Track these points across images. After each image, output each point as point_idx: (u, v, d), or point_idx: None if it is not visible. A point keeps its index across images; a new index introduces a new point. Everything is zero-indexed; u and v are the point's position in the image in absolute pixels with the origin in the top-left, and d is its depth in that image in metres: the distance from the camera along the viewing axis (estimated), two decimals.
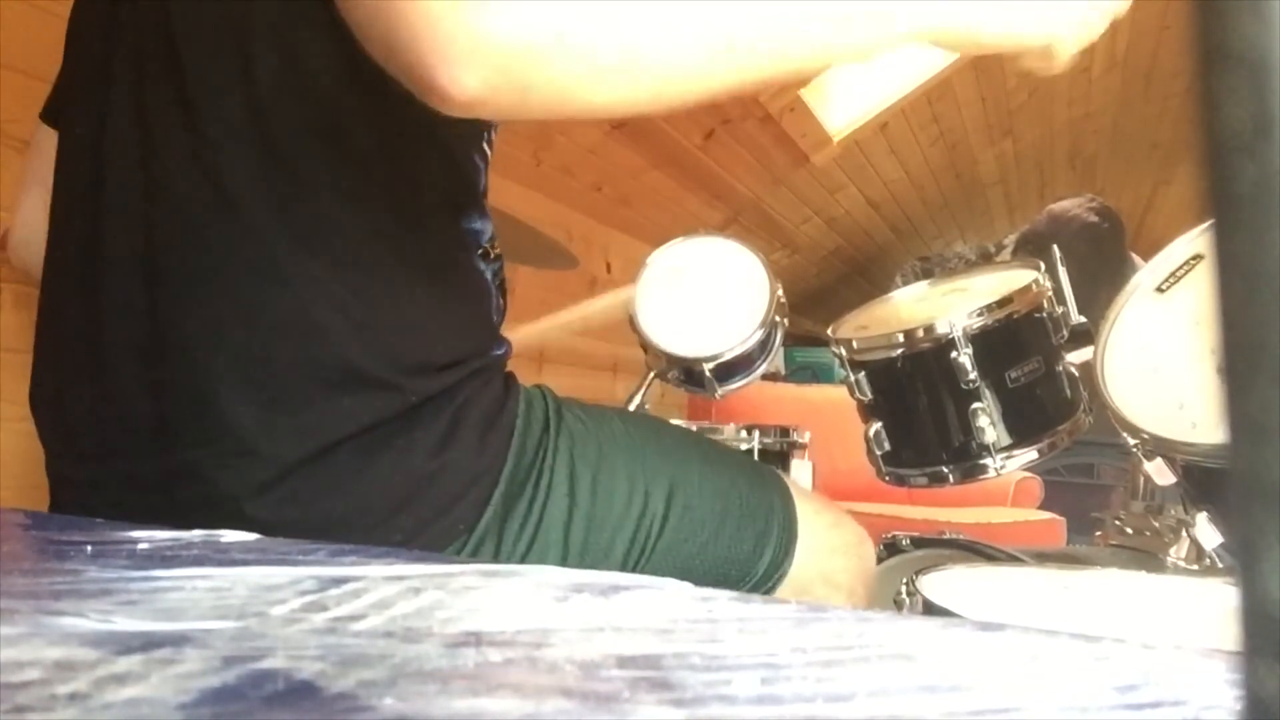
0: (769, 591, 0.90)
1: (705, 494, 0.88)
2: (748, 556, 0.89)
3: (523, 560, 0.77)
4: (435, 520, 0.74)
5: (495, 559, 0.76)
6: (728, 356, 1.21)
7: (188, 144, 0.72)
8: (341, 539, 0.66)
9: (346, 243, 0.73)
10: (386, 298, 0.74)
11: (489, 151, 0.87)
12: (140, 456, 0.73)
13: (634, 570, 0.83)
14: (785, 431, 1.46)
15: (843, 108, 3.10)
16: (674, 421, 1.15)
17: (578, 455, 0.82)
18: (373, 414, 0.72)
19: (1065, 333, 1.14)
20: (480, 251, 0.86)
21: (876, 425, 1.18)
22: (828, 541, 0.95)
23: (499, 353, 0.84)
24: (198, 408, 0.71)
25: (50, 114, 0.94)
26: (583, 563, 0.80)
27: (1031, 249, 2.47)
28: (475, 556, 0.76)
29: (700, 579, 0.85)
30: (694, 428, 1.36)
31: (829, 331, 1.26)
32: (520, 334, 1.25)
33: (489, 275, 0.87)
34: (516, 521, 0.78)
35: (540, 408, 0.84)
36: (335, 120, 0.73)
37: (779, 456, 1.46)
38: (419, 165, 0.78)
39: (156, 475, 0.73)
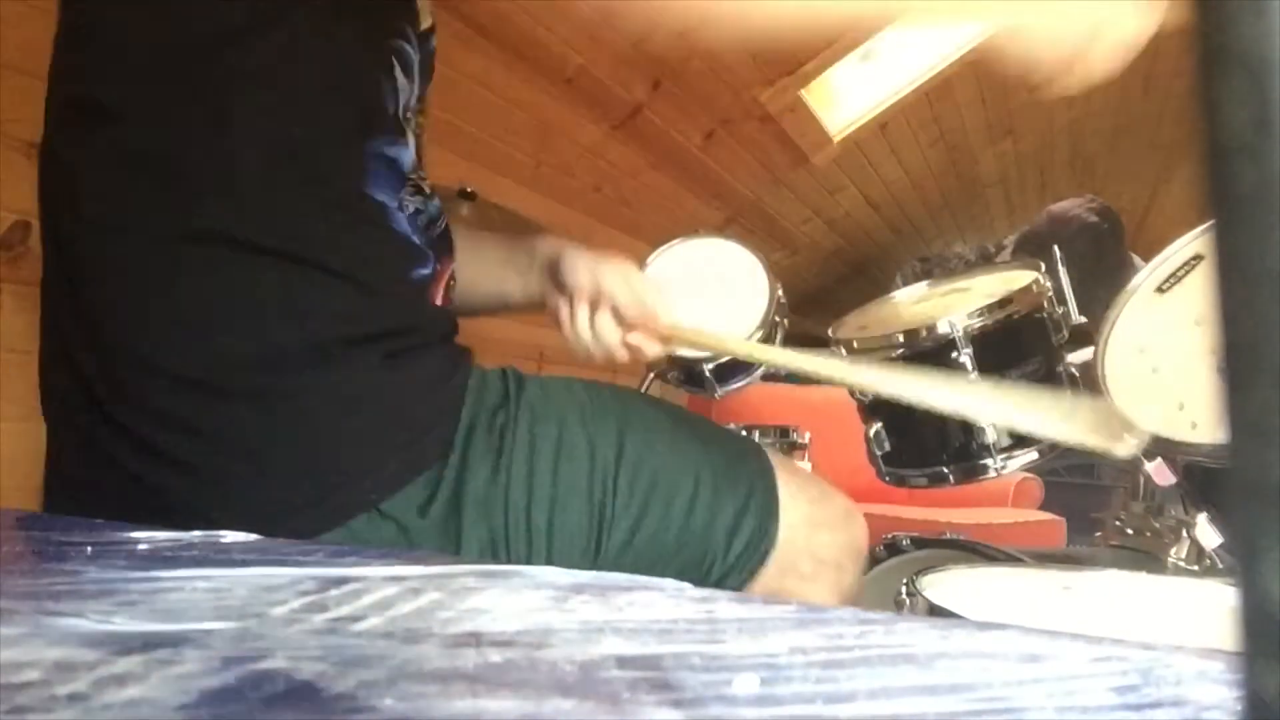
0: (752, 568, 0.86)
1: (674, 469, 0.84)
2: (724, 531, 0.85)
3: (483, 544, 0.76)
4: (342, 484, 0.72)
5: (457, 544, 0.75)
6: (727, 357, 1.21)
7: (82, 135, 0.75)
8: (249, 511, 0.68)
9: (220, 187, 0.73)
10: (265, 242, 0.73)
11: (409, 79, 0.84)
12: (84, 425, 0.75)
13: (601, 550, 0.80)
14: (785, 432, 1.46)
15: (843, 108, 3.10)
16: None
17: (538, 433, 0.80)
18: (242, 344, 0.72)
19: (1066, 333, 1.14)
20: (411, 187, 0.84)
21: (877, 425, 1.18)
22: (812, 516, 0.91)
23: (438, 327, 0.82)
24: (102, 357, 0.73)
25: None
26: (550, 546, 0.78)
27: (1031, 249, 2.47)
28: (439, 537, 0.74)
29: (673, 557, 0.84)
30: None
31: (829, 332, 1.26)
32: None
33: (421, 220, 0.84)
34: (475, 503, 0.76)
35: (497, 384, 0.82)
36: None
37: None
38: (306, 92, 0.76)
39: (93, 443, 0.74)
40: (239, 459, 0.72)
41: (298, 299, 0.73)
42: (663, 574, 0.84)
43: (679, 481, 0.84)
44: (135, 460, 0.72)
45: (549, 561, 0.78)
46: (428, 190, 0.87)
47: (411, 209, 0.84)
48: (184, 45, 0.73)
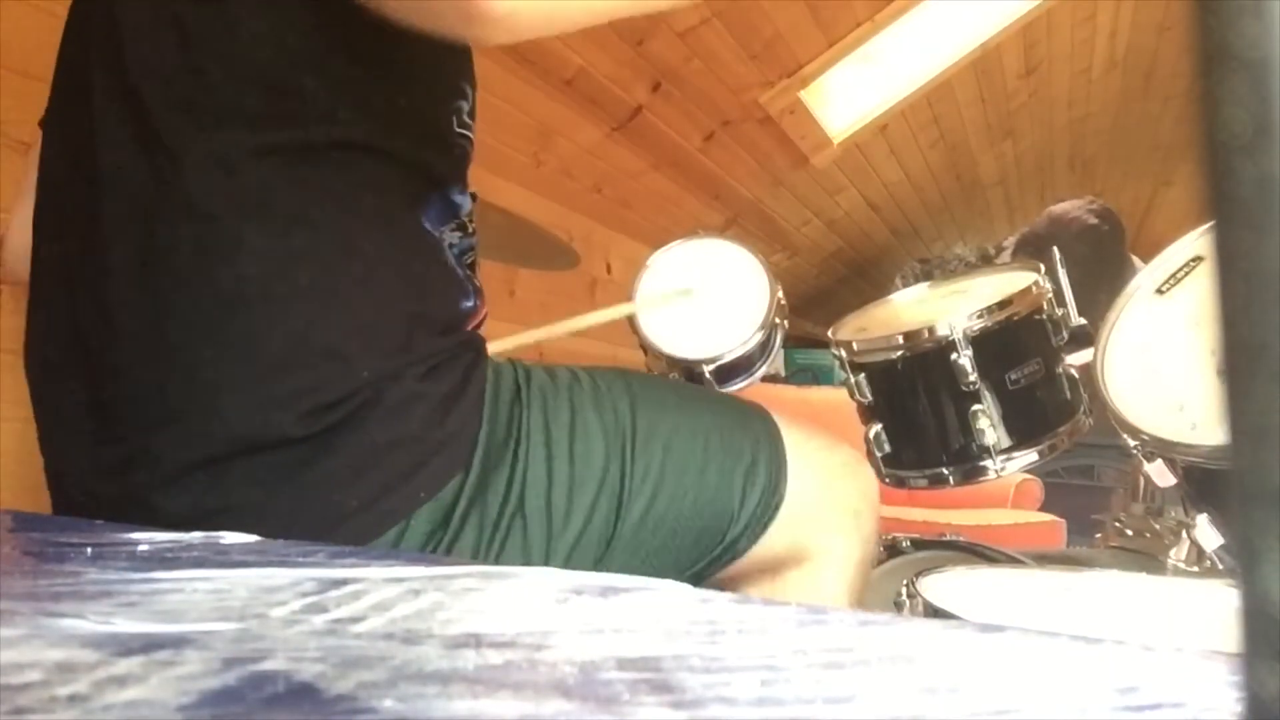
0: (766, 522, 0.89)
1: (684, 436, 0.87)
2: (739, 490, 0.88)
3: (507, 531, 0.78)
4: (393, 487, 0.74)
5: (479, 532, 0.77)
6: (728, 358, 1.21)
7: (131, 132, 0.75)
8: (300, 519, 0.70)
9: (294, 220, 0.75)
10: (336, 275, 0.75)
11: (467, 131, 0.88)
12: (102, 445, 0.75)
13: (621, 522, 0.83)
14: None
15: (843, 110, 3.10)
16: None
17: (551, 419, 0.83)
18: (324, 389, 0.73)
19: (1065, 334, 1.14)
20: (456, 224, 0.87)
21: (877, 427, 1.18)
22: (824, 465, 0.94)
23: (465, 336, 0.84)
24: (150, 392, 0.73)
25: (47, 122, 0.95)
26: (568, 525, 0.80)
27: (1031, 251, 2.47)
28: (459, 533, 0.76)
29: (691, 521, 0.86)
30: None
31: (829, 333, 1.26)
32: (520, 339, 1.25)
33: (455, 252, 0.87)
34: (498, 493, 0.78)
35: (509, 377, 0.84)
36: (291, 109, 0.75)
37: None
38: (388, 154, 0.79)
39: (114, 462, 0.74)
40: (295, 474, 0.73)
41: (367, 341, 0.75)
42: (683, 540, 0.87)
43: (690, 447, 0.87)
44: (190, 473, 0.73)
45: (573, 540, 0.81)
46: (470, 229, 0.90)
47: (448, 242, 0.86)
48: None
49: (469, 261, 0.90)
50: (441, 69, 0.86)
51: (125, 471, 0.74)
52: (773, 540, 0.90)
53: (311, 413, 0.72)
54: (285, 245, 0.74)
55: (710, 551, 0.89)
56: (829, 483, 0.94)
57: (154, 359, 0.73)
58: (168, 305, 0.73)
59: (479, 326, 0.88)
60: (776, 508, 0.90)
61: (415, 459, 0.75)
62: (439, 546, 0.76)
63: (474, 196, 1.00)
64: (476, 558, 0.77)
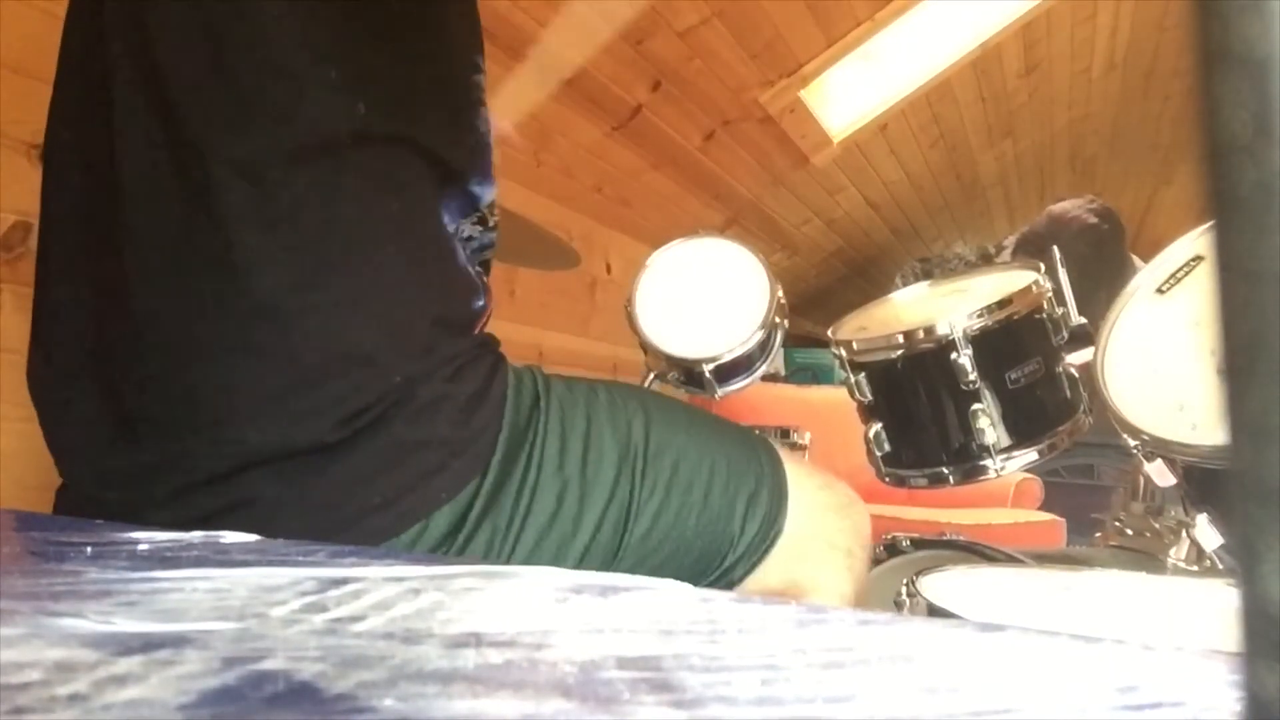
0: (763, 552, 0.90)
1: (692, 458, 0.88)
2: (740, 517, 0.89)
3: (519, 534, 0.79)
4: (415, 487, 0.75)
5: (491, 535, 0.77)
6: (728, 358, 1.21)
7: (158, 140, 0.74)
8: (323, 514, 0.71)
9: (324, 227, 0.75)
10: (366, 280, 0.76)
11: (486, 125, 0.88)
12: (117, 453, 0.75)
13: (627, 537, 0.84)
14: (785, 433, 1.46)
15: (843, 109, 3.10)
16: None
17: (568, 427, 0.84)
18: (358, 395, 0.73)
19: (1065, 334, 1.13)
20: (477, 216, 0.87)
21: (876, 426, 1.18)
22: (820, 501, 0.95)
23: (482, 338, 0.85)
24: (181, 400, 0.73)
25: None
26: (577, 533, 0.81)
27: (1031, 250, 2.47)
28: (473, 535, 0.77)
29: (693, 542, 0.87)
30: None
31: (829, 333, 1.26)
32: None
33: (473, 247, 0.87)
34: (510, 497, 0.79)
35: (529, 384, 0.85)
36: (311, 106, 0.75)
37: None
38: (411, 143, 0.79)
39: (133, 469, 0.74)
40: (321, 470, 0.73)
41: (396, 345, 0.76)
42: (683, 560, 0.87)
43: (697, 470, 0.88)
44: (218, 480, 0.73)
45: (582, 549, 0.82)
46: (491, 223, 0.90)
47: (465, 235, 0.86)
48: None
49: (482, 259, 0.91)
50: (456, 44, 0.85)
51: (145, 479, 0.74)
52: (768, 572, 0.91)
53: (346, 419, 0.73)
54: (313, 253, 0.74)
55: (708, 574, 0.90)
56: (825, 519, 0.95)
57: (185, 368, 0.73)
58: (199, 315, 0.73)
59: (485, 325, 0.88)
60: (775, 538, 0.91)
61: (440, 459, 0.76)
62: (453, 547, 0.76)
63: None
64: (488, 560, 0.77)
